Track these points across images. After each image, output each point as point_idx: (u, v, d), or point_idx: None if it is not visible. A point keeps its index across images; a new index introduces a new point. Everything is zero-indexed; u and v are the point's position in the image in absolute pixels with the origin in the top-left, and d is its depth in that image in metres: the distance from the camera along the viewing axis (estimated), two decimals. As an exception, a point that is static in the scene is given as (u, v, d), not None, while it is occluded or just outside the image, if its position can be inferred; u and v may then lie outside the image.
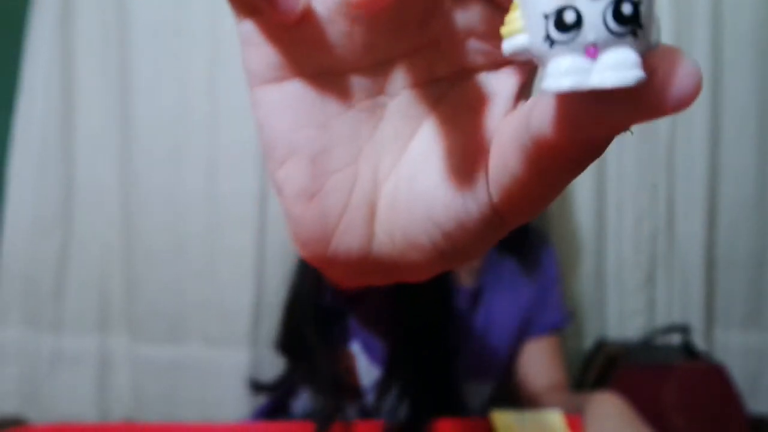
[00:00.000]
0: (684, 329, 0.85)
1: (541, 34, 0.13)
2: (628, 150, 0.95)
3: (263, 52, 0.18)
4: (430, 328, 0.63)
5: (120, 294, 0.96)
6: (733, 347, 0.97)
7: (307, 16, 0.17)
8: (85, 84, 0.95)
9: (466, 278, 0.72)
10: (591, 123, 0.14)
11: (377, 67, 0.18)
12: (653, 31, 0.13)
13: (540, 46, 0.13)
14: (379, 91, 0.19)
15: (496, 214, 0.17)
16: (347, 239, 0.19)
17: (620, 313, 0.95)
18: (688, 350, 0.84)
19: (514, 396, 0.74)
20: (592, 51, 0.13)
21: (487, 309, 0.71)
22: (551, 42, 0.13)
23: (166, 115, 0.93)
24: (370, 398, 0.64)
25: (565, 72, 0.13)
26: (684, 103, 0.13)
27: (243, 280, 0.92)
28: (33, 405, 0.95)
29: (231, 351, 0.93)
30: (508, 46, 0.14)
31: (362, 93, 0.19)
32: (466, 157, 0.17)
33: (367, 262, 0.19)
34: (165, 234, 0.94)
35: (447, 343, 0.64)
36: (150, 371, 0.95)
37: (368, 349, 0.66)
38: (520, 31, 0.14)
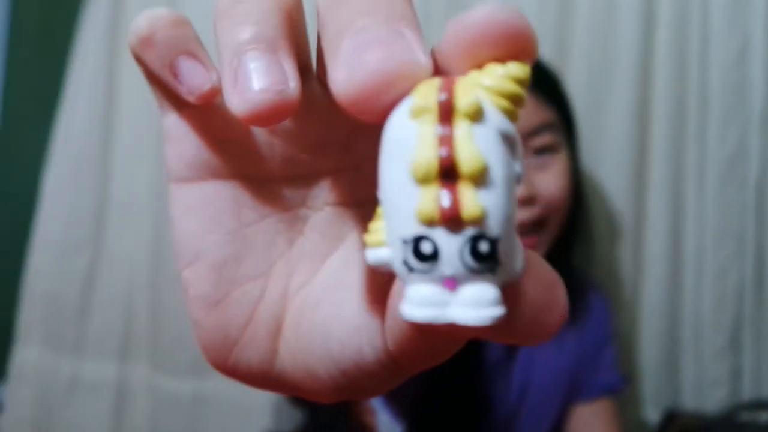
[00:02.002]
0: (777, 406, 0.75)
1: (400, 257, 0.13)
2: (709, 194, 0.86)
3: (181, 149, 0.19)
4: (458, 379, 0.58)
5: (145, 320, 0.93)
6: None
7: (224, 116, 0.18)
8: (127, 100, 0.95)
9: None
10: (444, 340, 0.15)
11: (299, 180, 0.18)
12: (515, 261, 0.13)
13: (399, 268, 0.13)
14: (300, 203, 0.19)
15: (391, 361, 0.16)
16: (249, 353, 0.19)
17: (697, 382, 0.85)
18: (781, 432, 0.73)
19: None
20: (451, 283, 0.13)
21: (527, 363, 0.65)
22: (409, 268, 0.13)
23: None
24: None
25: (422, 302, 0.13)
26: (547, 336, 0.14)
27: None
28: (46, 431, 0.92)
29: (256, 389, 0.88)
30: (372, 256, 0.14)
31: (282, 204, 0.18)
32: (370, 296, 0.16)
33: (269, 377, 0.19)
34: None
35: (477, 396, 0.59)
36: (170, 405, 0.91)
37: (390, 402, 0.61)
38: (383, 244, 0.14)
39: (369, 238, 0.14)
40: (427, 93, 0.12)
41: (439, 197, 0.12)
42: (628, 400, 0.88)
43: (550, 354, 0.66)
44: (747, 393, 0.84)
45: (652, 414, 0.86)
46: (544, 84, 0.61)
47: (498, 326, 0.13)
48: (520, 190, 0.56)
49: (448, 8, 0.87)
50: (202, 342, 0.19)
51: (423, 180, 0.12)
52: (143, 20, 0.18)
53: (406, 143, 0.12)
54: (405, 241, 0.13)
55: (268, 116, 0.15)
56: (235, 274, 0.18)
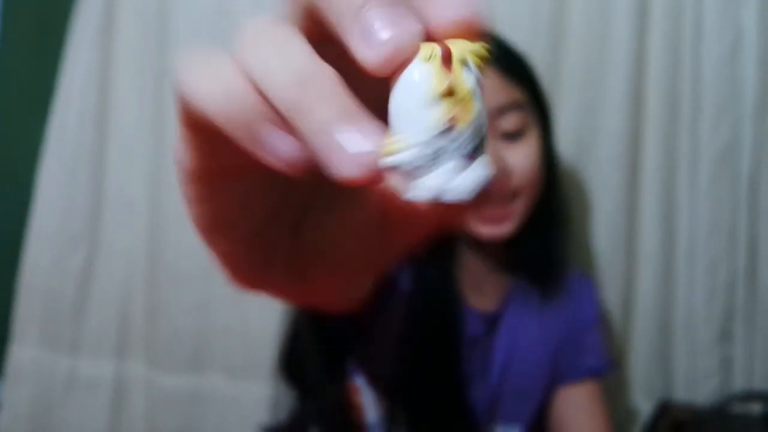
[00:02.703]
0: (766, 397, 0.76)
1: (423, 152, 0.19)
2: (702, 188, 0.87)
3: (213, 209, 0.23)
4: (436, 355, 0.60)
5: (141, 316, 0.94)
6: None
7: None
8: (121, 95, 0.95)
9: (482, 301, 0.67)
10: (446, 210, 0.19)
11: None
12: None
13: (420, 159, 0.19)
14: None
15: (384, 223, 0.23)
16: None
17: (689, 373, 0.86)
18: (772, 422, 0.74)
19: None
20: (469, 157, 0.19)
21: (511, 339, 0.66)
22: (435, 155, 0.19)
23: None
24: None
25: (433, 185, 0.19)
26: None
27: (271, 309, 0.89)
28: (44, 430, 0.93)
29: (254, 384, 0.89)
30: (393, 159, 0.18)
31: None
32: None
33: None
34: (193, 255, 0.92)
35: (457, 373, 0.61)
36: (167, 401, 0.92)
37: (371, 381, 0.62)
38: (401, 150, 0.18)
39: (389, 147, 0.18)
40: (432, 49, 0.19)
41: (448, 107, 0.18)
42: (620, 390, 0.90)
43: (532, 334, 0.67)
44: (738, 384, 0.86)
45: (645, 405, 0.87)
46: (512, 65, 0.63)
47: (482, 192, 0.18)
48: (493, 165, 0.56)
49: None
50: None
51: (440, 96, 0.18)
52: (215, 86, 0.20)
53: (422, 78, 0.18)
54: (428, 138, 0.18)
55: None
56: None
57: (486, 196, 0.20)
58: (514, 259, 0.67)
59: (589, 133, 0.89)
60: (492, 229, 0.61)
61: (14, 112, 1.11)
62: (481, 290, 0.66)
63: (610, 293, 0.88)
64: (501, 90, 0.60)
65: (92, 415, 0.93)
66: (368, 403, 0.63)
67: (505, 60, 0.63)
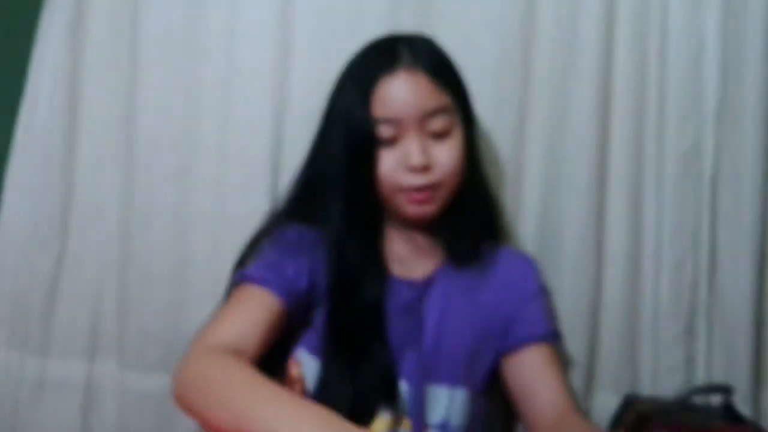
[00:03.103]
0: (726, 389, 0.80)
1: None
2: (667, 188, 0.91)
3: None
4: (360, 318, 0.69)
5: (112, 317, 0.93)
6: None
7: None
8: (91, 95, 0.94)
9: (411, 271, 0.75)
10: None
11: None
12: None
13: None
14: None
15: None
16: None
17: (655, 369, 0.89)
18: (730, 413, 0.78)
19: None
20: None
21: (441, 304, 0.74)
22: None
23: (173, 132, 0.92)
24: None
25: None
26: None
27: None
28: (11, 433, 0.92)
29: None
30: None
31: None
32: None
33: None
34: (165, 255, 0.92)
35: (389, 335, 0.69)
36: (139, 401, 0.92)
37: (310, 345, 0.71)
38: None
39: None
40: None
41: None
42: (589, 386, 0.92)
43: (463, 301, 0.75)
44: (700, 379, 0.90)
45: (613, 400, 0.90)
46: (442, 72, 0.72)
47: None
48: (420, 159, 0.68)
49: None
50: None
51: None
52: None
53: None
54: None
55: None
56: None
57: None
58: (440, 236, 0.76)
59: (557, 136, 0.92)
60: (416, 209, 0.71)
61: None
62: (410, 263, 0.75)
63: (579, 292, 0.91)
64: (431, 95, 0.70)
65: (63, 416, 0.92)
66: (308, 373, 0.70)
67: (436, 66, 0.72)
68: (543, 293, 0.80)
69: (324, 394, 0.68)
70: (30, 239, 0.94)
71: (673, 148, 0.90)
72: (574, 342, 0.90)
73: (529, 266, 0.81)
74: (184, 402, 0.57)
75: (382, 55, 0.71)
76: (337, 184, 0.71)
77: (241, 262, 0.75)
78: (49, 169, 0.93)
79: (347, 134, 0.70)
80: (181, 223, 0.91)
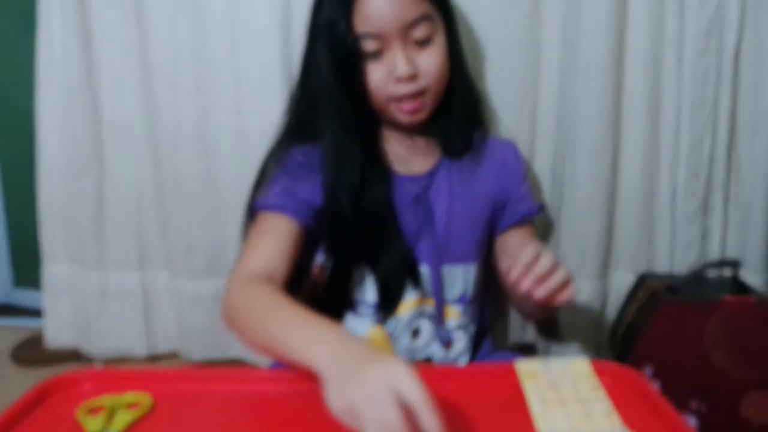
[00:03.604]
0: (734, 263, 0.83)
1: None
2: (687, 65, 0.88)
3: None
4: (373, 213, 0.74)
5: (156, 233, 1.01)
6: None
7: None
8: (102, 19, 0.95)
9: (413, 168, 0.79)
10: None
11: None
12: None
13: None
14: None
15: None
16: None
17: (670, 245, 0.93)
18: (738, 285, 0.82)
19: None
20: None
21: (446, 193, 0.79)
22: None
23: (186, 49, 0.93)
24: None
25: None
26: None
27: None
28: (86, 338, 1.05)
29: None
30: None
31: None
32: None
33: None
34: (195, 171, 0.97)
35: (405, 228, 0.75)
36: (192, 304, 1.01)
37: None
38: None
39: None
40: None
41: None
42: (607, 266, 0.98)
43: (466, 188, 0.80)
44: (714, 254, 0.93)
45: (630, 279, 0.95)
46: None
47: None
48: (406, 70, 0.71)
49: None
50: None
51: None
52: None
53: None
54: None
55: None
56: None
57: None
58: (435, 133, 0.80)
59: (574, 13, 0.89)
60: (409, 117, 0.75)
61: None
62: (410, 160, 0.79)
63: (596, 173, 0.93)
64: (410, 4, 0.71)
65: (127, 321, 1.03)
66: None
67: None
68: (526, 173, 0.86)
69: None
70: (70, 166, 1.00)
71: (695, 22, 0.87)
72: (591, 224, 0.94)
73: (515, 151, 0.85)
74: (230, 327, 0.65)
75: None
76: (328, 99, 0.73)
77: (257, 188, 0.79)
78: (74, 99, 0.97)
79: (331, 51, 0.71)
80: (206, 139, 0.95)
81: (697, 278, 0.83)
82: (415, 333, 0.77)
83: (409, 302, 0.76)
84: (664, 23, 0.88)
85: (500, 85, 0.94)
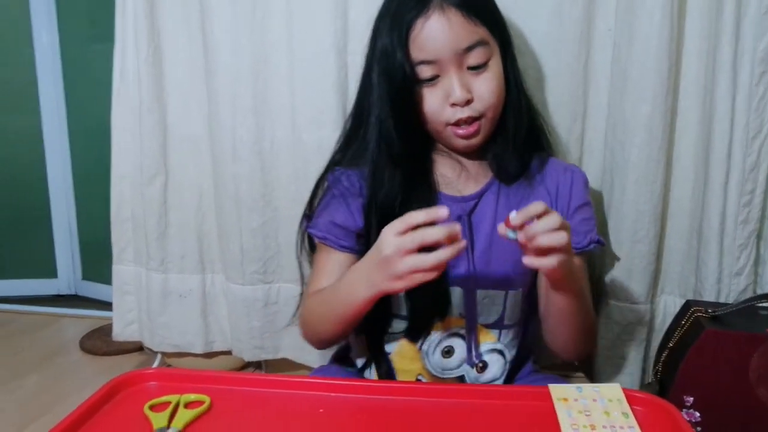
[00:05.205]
0: (787, 296, 0.83)
1: None
2: (741, 91, 0.88)
3: None
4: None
5: (214, 240, 1.09)
6: None
7: None
8: (170, 39, 1.03)
9: (464, 190, 0.80)
10: None
11: None
12: None
13: None
14: None
15: None
16: None
17: (719, 273, 0.93)
18: (789, 319, 0.82)
19: None
20: None
21: (490, 216, 0.79)
22: None
23: (246, 70, 0.99)
24: None
25: None
26: None
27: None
28: (149, 333, 1.14)
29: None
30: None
31: None
32: None
33: None
34: (251, 182, 1.03)
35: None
36: (245, 306, 1.08)
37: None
38: None
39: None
40: None
41: None
42: (655, 290, 0.98)
43: (509, 210, 0.75)
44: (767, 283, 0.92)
45: (678, 303, 0.95)
46: (472, 4, 0.74)
47: None
48: (462, 95, 0.73)
49: None
50: None
51: None
52: None
53: None
54: None
55: None
56: None
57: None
58: (487, 158, 0.81)
59: (627, 35, 0.90)
60: (464, 141, 0.77)
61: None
62: (459, 185, 0.80)
63: (646, 198, 0.93)
64: (465, 31, 0.73)
65: (187, 319, 1.12)
66: None
67: (469, 4, 0.73)
68: (588, 203, 0.83)
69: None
70: (139, 173, 1.09)
71: (750, 48, 0.86)
72: (638, 247, 0.95)
73: (576, 177, 0.83)
74: (308, 335, 0.81)
75: None
76: (379, 123, 0.76)
77: (310, 206, 0.85)
78: (145, 112, 1.05)
79: (387, 78, 0.74)
80: (263, 154, 1.02)
81: (744, 309, 0.83)
82: (448, 352, 0.79)
83: (438, 325, 0.79)
84: (718, 48, 0.88)
85: (550, 107, 0.96)
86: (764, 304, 0.84)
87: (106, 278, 1.57)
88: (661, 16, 0.86)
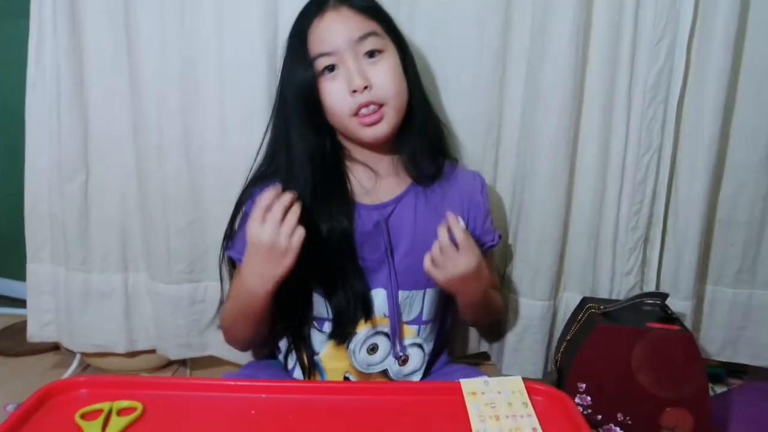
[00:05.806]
0: (662, 295, 0.95)
1: None
2: (636, 110, 0.99)
3: None
4: (334, 241, 0.82)
5: (138, 238, 1.08)
6: (721, 301, 1.08)
7: None
8: (92, 28, 1.01)
9: (377, 198, 0.86)
10: None
11: None
12: None
13: None
14: None
15: None
16: None
17: (612, 272, 1.05)
18: (666, 315, 0.94)
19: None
20: None
21: (407, 221, 0.86)
22: None
23: (174, 70, 0.99)
24: None
25: None
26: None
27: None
28: (68, 334, 1.12)
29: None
30: None
31: None
32: None
33: None
34: (179, 182, 1.03)
35: (351, 251, 0.83)
36: (170, 306, 1.08)
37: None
38: None
39: None
40: None
41: None
42: (558, 287, 1.09)
43: (431, 217, 0.85)
44: (653, 281, 1.05)
45: (577, 300, 1.06)
46: (365, 5, 0.82)
47: None
48: (360, 80, 0.78)
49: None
50: None
51: None
52: None
53: None
54: None
55: None
56: None
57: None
58: (401, 160, 0.87)
59: (537, 61, 0.99)
60: (371, 131, 0.81)
61: None
62: (375, 191, 0.86)
63: (551, 205, 1.03)
64: (358, 22, 0.80)
65: (109, 319, 1.11)
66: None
67: (360, 2, 0.82)
68: (490, 205, 0.94)
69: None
70: (57, 168, 1.06)
71: (644, 74, 0.98)
72: (544, 248, 1.04)
73: (481, 183, 0.93)
74: (231, 343, 0.91)
75: (313, 5, 0.82)
76: (293, 130, 0.82)
77: (231, 227, 0.89)
78: (64, 106, 1.03)
79: (292, 79, 0.81)
80: (190, 155, 1.02)
81: (631, 306, 0.95)
82: (373, 349, 0.86)
83: (362, 325, 0.85)
84: (617, 73, 0.98)
85: (469, 117, 1.03)
86: (648, 301, 0.96)
87: (14, 274, 1.51)
88: (568, 41, 0.95)
